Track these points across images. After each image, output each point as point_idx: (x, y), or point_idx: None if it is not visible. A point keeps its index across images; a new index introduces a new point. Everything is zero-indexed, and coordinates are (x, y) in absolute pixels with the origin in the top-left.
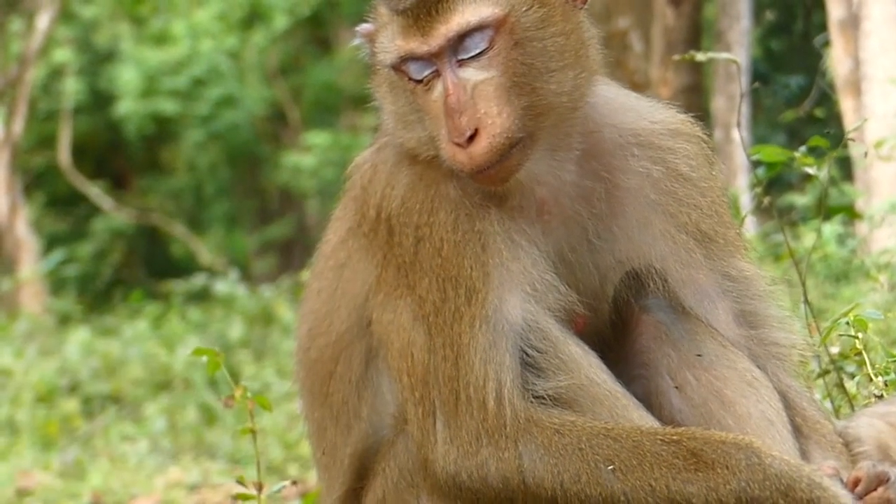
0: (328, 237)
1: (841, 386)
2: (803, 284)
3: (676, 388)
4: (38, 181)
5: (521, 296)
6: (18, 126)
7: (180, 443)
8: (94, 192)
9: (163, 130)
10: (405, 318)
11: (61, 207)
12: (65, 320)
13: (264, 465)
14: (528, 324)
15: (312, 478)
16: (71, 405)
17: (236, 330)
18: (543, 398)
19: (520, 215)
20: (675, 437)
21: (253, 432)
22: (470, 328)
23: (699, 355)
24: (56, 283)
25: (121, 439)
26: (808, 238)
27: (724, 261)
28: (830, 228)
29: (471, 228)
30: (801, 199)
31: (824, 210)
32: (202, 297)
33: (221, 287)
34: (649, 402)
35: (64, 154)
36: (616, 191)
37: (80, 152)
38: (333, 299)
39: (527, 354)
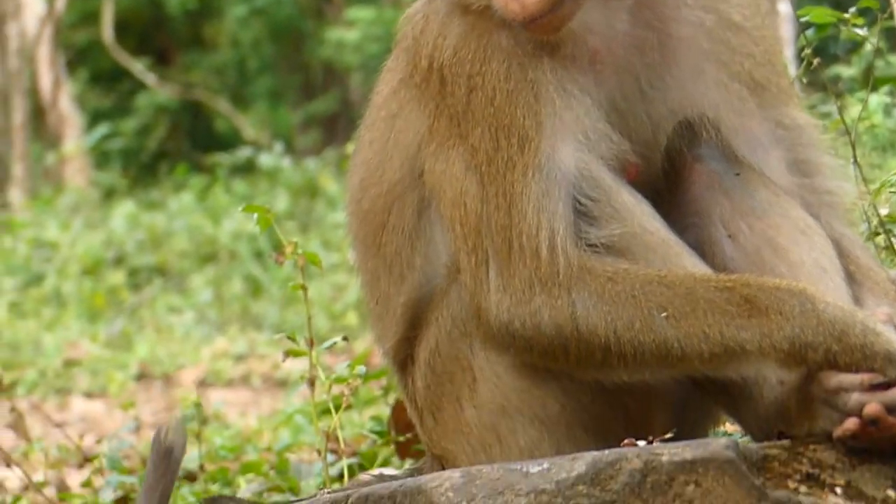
0: (380, 88)
1: (890, 248)
2: (853, 146)
3: (729, 236)
4: (81, 57)
5: (573, 144)
6: (61, 2)
7: (226, 314)
8: (138, 67)
9: (205, 6)
10: (458, 168)
11: (104, 83)
12: (110, 194)
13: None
14: (581, 172)
15: (358, 346)
16: (117, 277)
17: (281, 202)
18: (596, 247)
19: (572, 65)
20: (728, 284)
21: (304, 288)
22: (522, 177)
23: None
24: (100, 158)
25: (167, 311)
26: (854, 109)
27: (776, 109)
28: (877, 99)
29: (523, 78)
30: (848, 71)
31: (871, 80)
32: (247, 170)
33: (266, 160)
34: (702, 251)
35: (107, 30)
36: (669, 40)
37: (123, 28)
38: (385, 150)
39: (579, 203)
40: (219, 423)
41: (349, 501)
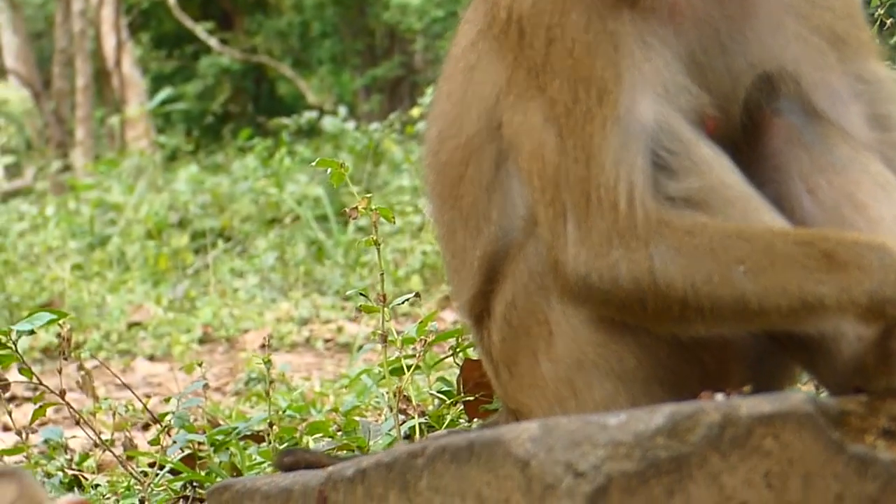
0: (458, 40)
1: None
2: None
3: (808, 191)
4: (145, 20)
5: (652, 97)
6: None
7: (289, 278)
8: (201, 31)
9: None
10: (536, 120)
11: (167, 47)
12: (173, 157)
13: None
14: (660, 125)
15: (423, 313)
16: (180, 240)
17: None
18: (674, 200)
19: (652, 17)
20: (807, 239)
21: (377, 244)
22: (601, 129)
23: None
24: (163, 121)
25: (230, 274)
26: None
27: (857, 63)
28: None
29: (603, 29)
30: None
31: None
32: (311, 134)
33: (330, 124)
34: (780, 205)
35: None
36: None
37: None
38: (463, 102)
39: (658, 156)
40: (284, 385)
41: (426, 453)
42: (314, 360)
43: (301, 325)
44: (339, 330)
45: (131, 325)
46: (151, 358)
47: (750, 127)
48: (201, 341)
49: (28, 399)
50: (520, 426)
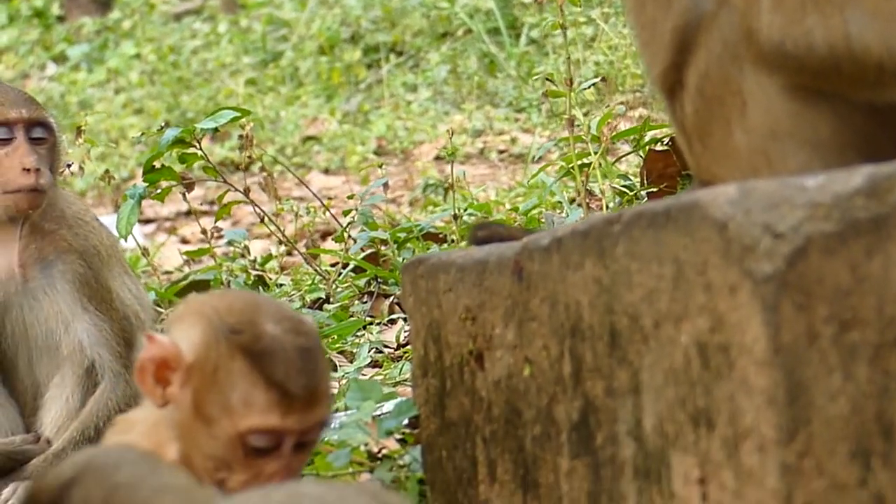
0: None
1: None
2: None
3: None
4: None
5: None
6: None
7: (462, 90)
8: None
9: None
10: None
11: None
12: None
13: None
14: None
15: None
16: (353, 55)
17: None
18: None
19: None
20: None
21: (563, 27)
22: None
23: None
24: None
25: (403, 88)
26: None
27: None
28: None
29: None
30: None
31: None
32: None
33: None
34: None
35: None
36: None
37: None
38: None
39: None
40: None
41: (622, 219)
42: (488, 171)
43: (474, 137)
44: (513, 141)
45: (306, 139)
46: (326, 171)
47: None
48: (376, 153)
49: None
50: (717, 189)
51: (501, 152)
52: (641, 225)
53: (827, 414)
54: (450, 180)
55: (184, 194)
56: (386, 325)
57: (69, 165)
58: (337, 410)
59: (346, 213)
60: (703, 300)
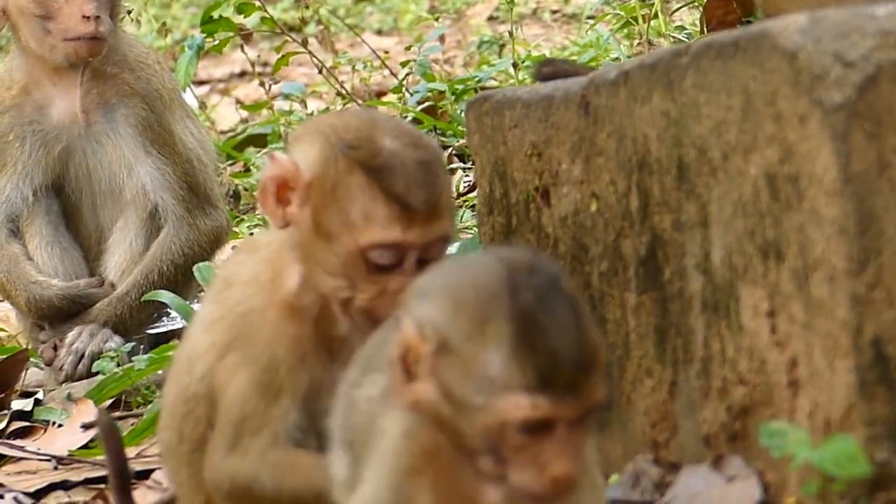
0: None
1: None
2: None
3: None
4: None
5: None
6: None
7: None
8: None
9: None
10: None
11: None
12: None
13: None
14: None
15: None
16: None
17: None
18: None
19: None
20: None
21: None
22: None
23: None
24: None
25: None
26: None
27: None
28: None
29: None
30: None
31: None
32: None
33: None
34: None
35: None
36: None
37: None
38: None
39: None
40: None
41: (690, 51)
42: (541, 31)
43: None
44: (567, 2)
45: (358, 0)
46: (379, 32)
47: None
48: (431, 12)
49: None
50: (786, 19)
51: (555, 12)
52: (710, 56)
53: None
54: (504, 37)
55: (242, 46)
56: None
57: (129, 12)
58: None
59: (403, 65)
60: (772, 131)
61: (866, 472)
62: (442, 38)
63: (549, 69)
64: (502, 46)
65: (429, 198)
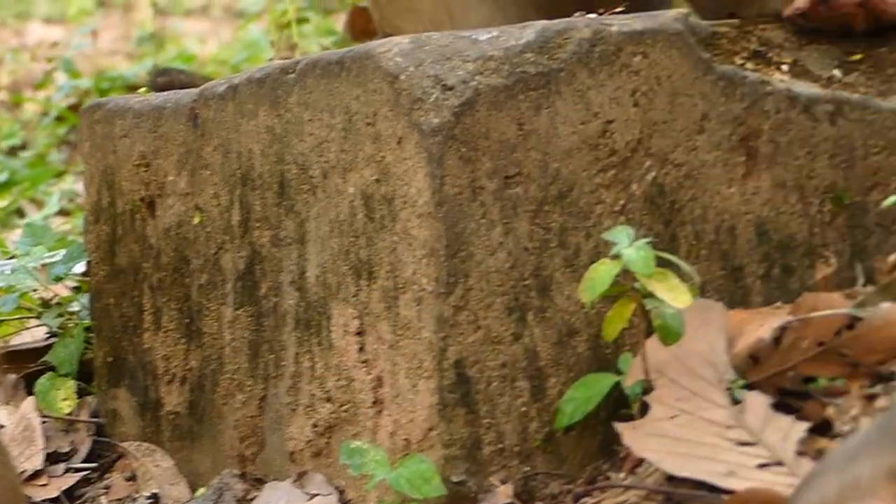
0: None
1: None
2: None
3: None
4: None
5: None
6: None
7: None
8: None
9: None
10: None
11: None
12: None
13: None
14: None
15: None
16: None
17: None
18: None
19: None
20: None
21: None
22: None
23: None
24: None
25: None
26: None
27: None
28: None
29: None
30: None
31: None
32: None
33: None
34: None
35: None
36: None
37: None
38: None
39: None
40: (177, 48)
41: (297, 68)
42: (209, 26)
43: None
44: None
45: None
46: (47, 20)
47: None
48: (98, 5)
49: None
50: (392, 40)
51: (224, 8)
52: (316, 74)
53: (486, 268)
54: (167, 32)
55: None
56: (81, 174)
57: None
58: (13, 257)
59: (49, 61)
60: (370, 151)
61: (441, 492)
62: (94, 33)
63: (164, 79)
64: (160, 42)
65: None
